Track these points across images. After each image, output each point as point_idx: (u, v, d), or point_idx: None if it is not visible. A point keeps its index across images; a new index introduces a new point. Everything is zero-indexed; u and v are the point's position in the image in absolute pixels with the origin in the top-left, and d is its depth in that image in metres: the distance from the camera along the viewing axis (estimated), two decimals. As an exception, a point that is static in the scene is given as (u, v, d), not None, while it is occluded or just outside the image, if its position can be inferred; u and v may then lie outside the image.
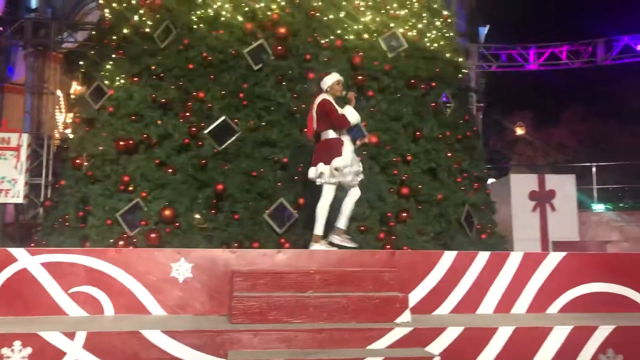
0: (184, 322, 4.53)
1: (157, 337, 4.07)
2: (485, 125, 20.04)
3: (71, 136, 8.54)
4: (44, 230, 7.85)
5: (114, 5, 8.56)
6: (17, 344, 3.89)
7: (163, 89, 7.50)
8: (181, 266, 4.99)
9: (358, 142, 6.19)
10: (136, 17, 8.13)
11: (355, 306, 4.65)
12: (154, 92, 7.48)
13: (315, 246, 5.79)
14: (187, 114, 7.36)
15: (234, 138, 7.21)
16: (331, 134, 5.94)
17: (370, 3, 8.39)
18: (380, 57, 8.06)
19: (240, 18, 7.90)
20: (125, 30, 8.15)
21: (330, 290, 4.83)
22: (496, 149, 28.42)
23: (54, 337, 3.96)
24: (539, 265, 5.46)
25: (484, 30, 19.80)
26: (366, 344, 4.28)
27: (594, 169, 15.43)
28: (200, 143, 7.20)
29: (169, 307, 4.91)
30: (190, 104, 7.41)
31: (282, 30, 7.75)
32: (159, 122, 7.32)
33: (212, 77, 7.55)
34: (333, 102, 5.97)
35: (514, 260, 5.44)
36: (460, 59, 9.52)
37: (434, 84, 8.29)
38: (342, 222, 6.01)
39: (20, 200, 10.26)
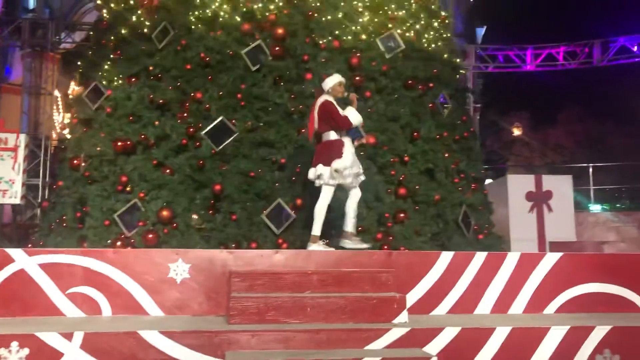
0: (181, 322, 4.53)
1: (154, 338, 4.07)
2: (482, 126, 20.04)
3: (69, 137, 8.53)
4: (41, 231, 7.84)
5: (112, 5, 8.56)
6: (15, 344, 3.89)
7: (161, 90, 7.50)
8: (179, 267, 4.99)
9: (356, 143, 6.19)
10: (134, 18, 8.14)
11: (353, 307, 4.65)
12: (152, 92, 7.48)
13: (313, 247, 5.80)
14: (185, 114, 7.36)
15: (231, 139, 7.21)
16: (332, 135, 5.94)
17: (367, 4, 8.40)
18: (377, 57, 8.06)
19: (238, 18, 7.90)
20: (123, 31, 8.16)
21: (327, 291, 4.83)
22: (493, 149, 28.43)
23: (52, 338, 3.96)
24: (536, 265, 5.47)
25: (481, 31, 19.83)
26: (364, 344, 4.28)
27: (590, 170, 15.46)
28: (198, 144, 7.21)
29: (166, 307, 4.91)
30: (188, 104, 7.41)
31: (280, 31, 7.75)
32: (157, 122, 7.32)
33: (209, 77, 7.55)
34: (335, 103, 5.98)
35: (511, 260, 5.45)
36: (458, 60, 9.54)
37: (431, 84, 8.31)
38: (349, 225, 6.02)
39: (17, 201, 10.25)
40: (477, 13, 19.24)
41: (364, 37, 8.16)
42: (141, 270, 4.93)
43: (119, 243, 6.69)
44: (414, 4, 8.80)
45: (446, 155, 7.98)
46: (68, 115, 15.22)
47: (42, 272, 4.81)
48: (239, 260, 5.14)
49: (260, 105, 7.49)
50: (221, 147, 7.17)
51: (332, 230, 6.48)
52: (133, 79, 7.68)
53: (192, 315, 4.91)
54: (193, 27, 7.85)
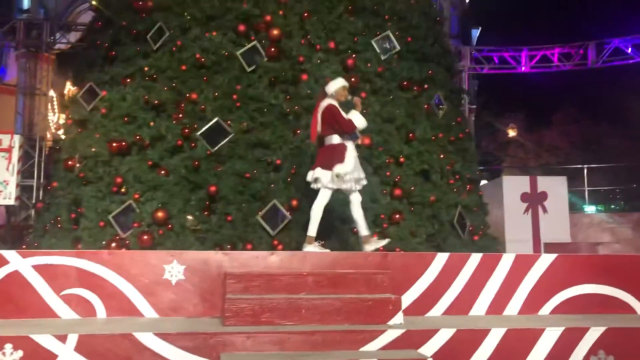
0: (176, 324, 4.52)
1: (149, 340, 4.06)
2: (477, 127, 20.10)
3: (63, 137, 8.50)
4: (35, 232, 7.82)
5: (107, 6, 8.54)
6: (8, 347, 3.87)
7: (156, 91, 7.49)
8: (174, 268, 4.98)
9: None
10: (129, 19, 8.11)
11: (348, 308, 4.65)
12: (147, 93, 7.47)
13: (308, 247, 5.80)
14: (180, 115, 7.35)
15: (227, 140, 7.20)
16: (335, 139, 5.94)
17: (363, 5, 8.39)
18: (373, 59, 8.07)
19: (233, 20, 7.89)
20: (118, 32, 8.13)
21: (323, 293, 4.83)
22: (488, 150, 28.50)
23: (46, 340, 3.94)
24: (531, 267, 5.49)
25: (476, 33, 19.87)
26: (359, 346, 4.28)
27: (585, 171, 15.52)
28: (193, 145, 7.19)
29: (161, 309, 4.90)
30: (183, 105, 7.40)
31: (275, 32, 7.75)
32: (152, 123, 7.31)
33: (205, 78, 7.54)
34: (338, 107, 5.99)
35: (506, 262, 5.46)
36: (453, 61, 9.56)
37: (426, 86, 8.32)
38: (363, 229, 6.01)
39: (12, 202, 10.23)
40: (472, 14, 19.28)
41: (359, 38, 8.15)
42: (136, 272, 4.92)
43: (113, 244, 6.67)
44: (409, 6, 8.81)
45: (441, 156, 7.99)
46: (63, 115, 15.18)
47: (37, 274, 4.79)
48: (234, 261, 5.13)
49: (255, 106, 7.48)
50: (216, 148, 7.16)
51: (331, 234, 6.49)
52: (128, 80, 7.66)
53: (187, 317, 4.90)
54: (188, 27, 7.83)
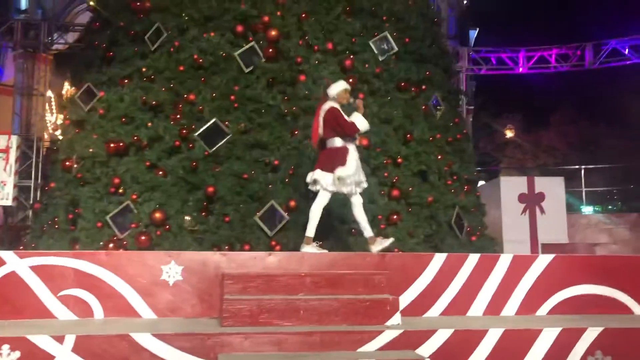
0: (174, 325, 4.52)
1: (147, 340, 4.05)
2: (475, 128, 20.07)
3: (61, 138, 8.49)
4: (33, 232, 7.81)
5: (105, 6, 8.53)
6: (6, 347, 3.87)
7: (154, 91, 7.48)
8: (171, 269, 4.98)
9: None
10: (127, 19, 8.11)
11: (346, 309, 4.66)
12: (145, 94, 7.46)
13: (306, 248, 5.79)
14: (178, 116, 7.34)
15: (224, 140, 7.20)
16: (337, 142, 5.93)
17: (361, 6, 8.40)
18: (371, 60, 8.08)
19: (231, 20, 7.89)
20: (115, 32, 8.13)
21: (321, 293, 4.83)
22: (486, 151, 28.51)
23: (43, 341, 3.94)
24: (529, 267, 5.50)
25: (473, 34, 19.89)
26: (357, 346, 4.29)
27: (582, 172, 15.54)
28: (191, 145, 7.19)
29: (159, 310, 4.90)
30: (180, 106, 7.40)
31: (273, 32, 7.75)
32: (150, 124, 7.30)
33: (203, 79, 7.54)
34: (340, 110, 5.99)
35: (503, 262, 5.47)
36: (451, 62, 9.56)
37: (424, 87, 8.33)
38: (367, 231, 5.98)
39: (9, 202, 10.21)
40: (470, 15, 19.30)
41: (357, 39, 8.16)
42: (133, 273, 4.92)
43: (111, 245, 6.66)
44: (407, 6, 8.82)
45: (439, 157, 7.99)
46: (61, 116, 15.17)
47: (34, 275, 4.79)
48: (232, 262, 5.13)
49: (253, 106, 7.48)
50: (214, 148, 7.15)
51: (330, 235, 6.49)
52: (126, 81, 7.66)
53: (184, 318, 4.90)
54: (186, 28, 7.83)
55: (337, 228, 7.02)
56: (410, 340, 4.35)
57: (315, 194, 5.97)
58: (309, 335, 4.28)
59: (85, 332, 4.09)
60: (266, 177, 7.21)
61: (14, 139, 10.24)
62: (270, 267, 5.19)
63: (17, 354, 3.88)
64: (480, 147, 26.29)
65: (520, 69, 18.28)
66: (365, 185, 6.07)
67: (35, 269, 4.79)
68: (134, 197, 6.91)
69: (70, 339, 3.97)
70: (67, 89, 15.88)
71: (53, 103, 17.48)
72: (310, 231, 5.88)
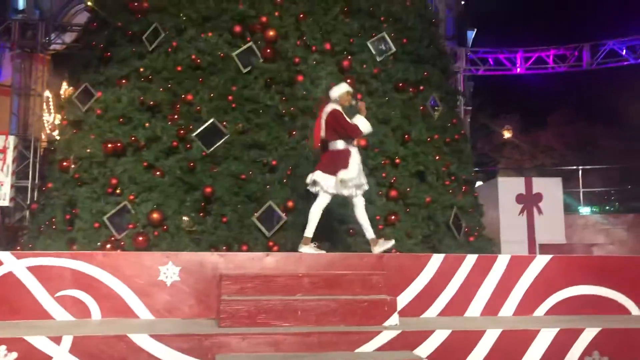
0: (171, 325, 4.52)
1: (144, 341, 4.05)
2: (473, 129, 20.10)
3: (58, 138, 8.48)
4: (30, 233, 7.79)
5: (102, 7, 8.52)
6: (2, 348, 3.86)
7: (151, 92, 7.47)
8: (169, 269, 4.97)
9: (347, 145, 6.20)
10: (124, 20, 8.10)
11: (344, 309, 4.66)
12: (142, 94, 7.45)
13: (304, 248, 5.79)
14: (176, 116, 7.33)
15: (222, 141, 7.19)
16: (340, 144, 5.94)
17: (359, 6, 8.40)
18: (368, 60, 8.08)
19: (229, 20, 7.88)
20: (113, 32, 8.11)
21: (318, 294, 4.83)
22: (484, 152, 28.56)
23: (40, 342, 3.93)
24: (526, 268, 5.50)
25: (471, 34, 19.93)
26: (354, 347, 4.28)
27: (580, 172, 15.57)
28: (188, 146, 7.18)
29: (156, 310, 4.89)
30: (178, 106, 7.39)
31: (271, 33, 7.74)
32: (147, 124, 7.29)
33: (200, 79, 7.53)
34: (342, 112, 5.99)
35: (501, 263, 5.48)
36: (448, 63, 9.56)
37: (422, 87, 8.32)
38: (369, 233, 6.01)
39: (6, 203, 10.20)
40: (468, 16, 19.34)
41: (354, 39, 8.16)
42: (131, 273, 4.91)
43: (108, 246, 6.65)
44: (405, 7, 8.82)
45: (437, 157, 7.99)
46: (58, 116, 15.14)
47: (31, 275, 4.78)
48: (229, 263, 5.13)
49: (251, 107, 7.47)
50: (212, 149, 7.14)
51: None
52: (123, 81, 7.65)
53: (182, 318, 4.89)
54: (184, 28, 7.82)
55: (335, 228, 7.02)
56: (408, 340, 4.35)
57: (314, 195, 5.97)
58: (307, 336, 4.28)
59: (83, 333, 4.08)
60: (264, 178, 7.21)
61: (12, 139, 10.24)
62: (268, 268, 5.18)
63: (14, 354, 3.87)
64: (478, 147, 26.32)
65: (518, 70, 18.32)
66: (366, 187, 6.08)
67: (33, 269, 4.78)
68: (132, 197, 6.90)
69: (67, 340, 3.96)
70: (64, 89, 15.87)
71: (50, 103, 17.47)
72: (309, 232, 5.89)
